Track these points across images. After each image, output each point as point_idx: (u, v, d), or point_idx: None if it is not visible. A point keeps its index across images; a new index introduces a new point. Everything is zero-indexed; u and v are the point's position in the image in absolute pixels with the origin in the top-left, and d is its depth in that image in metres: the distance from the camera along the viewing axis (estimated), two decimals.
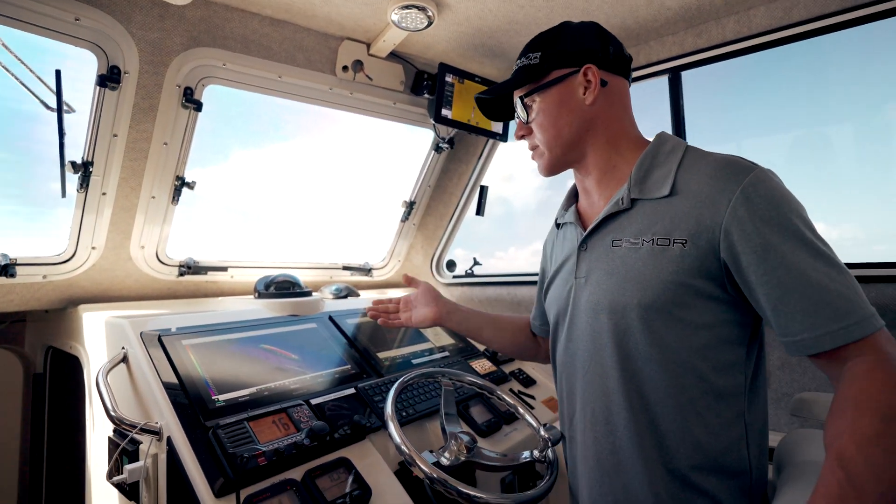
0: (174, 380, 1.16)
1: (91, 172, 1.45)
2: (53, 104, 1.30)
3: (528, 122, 1.01)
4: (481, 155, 2.24)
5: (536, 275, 1.28)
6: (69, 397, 1.66)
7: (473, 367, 1.78)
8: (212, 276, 1.88)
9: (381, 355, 1.63)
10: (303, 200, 2.37)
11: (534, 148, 1.04)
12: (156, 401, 1.11)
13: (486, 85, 1.92)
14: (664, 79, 1.71)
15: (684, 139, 1.20)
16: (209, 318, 1.44)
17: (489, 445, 1.39)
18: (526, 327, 1.33)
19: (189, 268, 1.80)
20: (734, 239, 0.77)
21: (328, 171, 2.40)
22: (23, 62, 1.26)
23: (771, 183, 0.79)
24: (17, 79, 1.28)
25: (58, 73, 1.28)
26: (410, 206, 2.38)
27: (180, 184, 1.63)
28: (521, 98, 1.00)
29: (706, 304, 0.82)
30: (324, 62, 1.68)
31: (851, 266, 1.36)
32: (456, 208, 2.40)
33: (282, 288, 1.74)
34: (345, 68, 1.70)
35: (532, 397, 1.77)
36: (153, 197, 1.60)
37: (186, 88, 1.47)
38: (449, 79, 1.85)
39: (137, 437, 1.07)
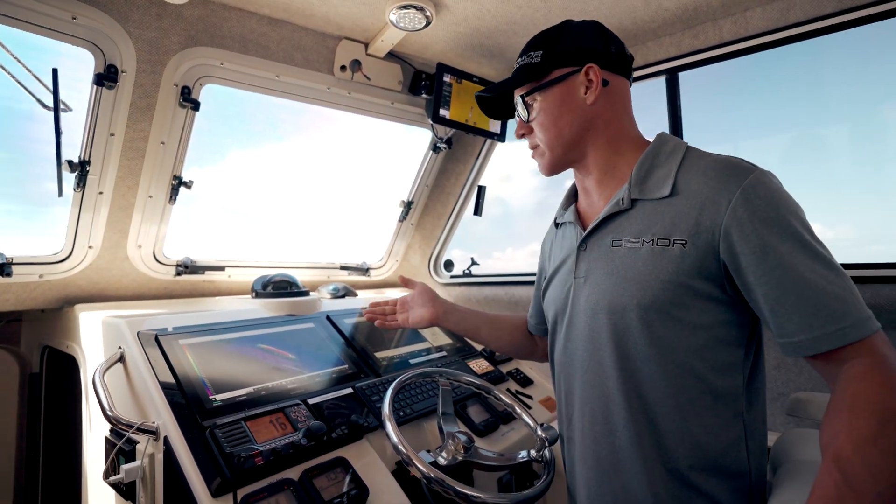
0: (171, 379, 1.16)
1: (88, 171, 1.44)
2: (50, 103, 1.30)
3: (528, 121, 1.01)
4: (479, 155, 2.25)
5: (534, 275, 1.28)
6: (65, 397, 1.65)
7: (471, 366, 1.78)
8: (209, 276, 1.88)
9: (379, 355, 1.63)
10: (300, 200, 2.37)
11: (534, 147, 1.04)
12: (153, 400, 1.10)
13: (484, 85, 1.92)
14: (661, 79, 1.72)
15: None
16: (206, 318, 1.44)
17: (486, 445, 1.39)
18: (523, 326, 1.33)
19: (186, 267, 1.80)
20: (734, 239, 0.78)
21: (326, 170, 2.40)
22: (20, 61, 1.26)
23: (770, 184, 0.79)
24: (13, 77, 1.27)
25: (55, 71, 1.27)
26: (408, 205, 2.38)
27: (177, 183, 1.63)
28: (522, 97, 0.99)
29: (705, 304, 0.82)
30: (322, 62, 1.67)
31: (847, 267, 1.36)
32: (454, 208, 2.40)
33: (279, 288, 1.74)
34: (343, 68, 1.70)
35: (529, 397, 1.77)
36: (150, 196, 1.59)
37: (184, 88, 1.47)
38: (447, 79, 1.85)
39: (134, 436, 1.07)
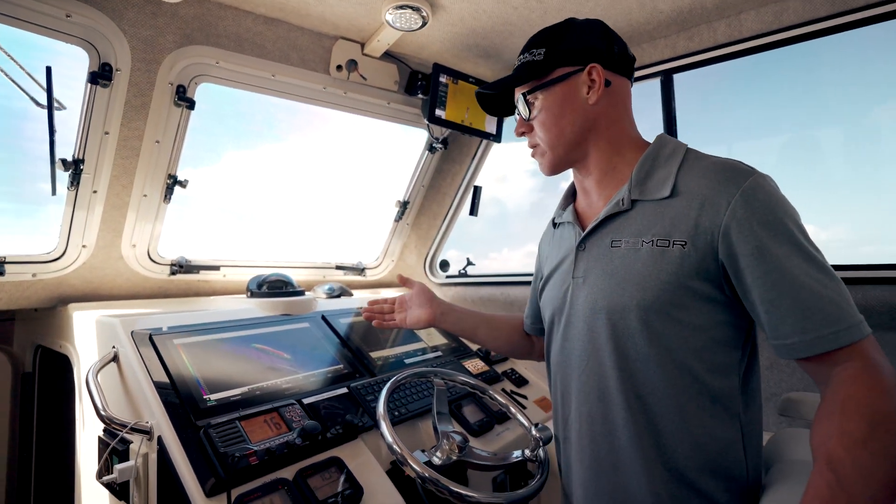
0: (165, 379, 1.15)
1: (82, 170, 1.44)
2: (44, 101, 1.29)
3: (529, 120, 1.00)
4: (475, 155, 2.25)
5: (529, 275, 1.28)
6: (59, 397, 1.64)
7: (466, 366, 1.79)
8: (204, 276, 1.87)
9: (374, 355, 1.63)
10: (296, 200, 2.36)
11: (534, 146, 1.03)
12: (146, 400, 1.10)
13: (480, 85, 1.92)
14: (656, 81, 1.73)
15: None
16: (201, 318, 1.44)
17: (481, 445, 1.39)
18: (520, 326, 1.33)
19: (181, 267, 1.79)
20: (733, 240, 0.78)
21: (322, 170, 2.39)
22: (13, 59, 1.25)
23: (769, 188, 0.80)
24: (7, 75, 1.27)
25: (48, 69, 1.27)
26: (404, 205, 2.38)
27: (172, 182, 1.62)
28: (524, 95, 0.98)
29: (704, 305, 0.83)
30: (318, 61, 1.67)
31: (838, 268, 1.38)
32: (449, 208, 2.41)
33: (274, 287, 1.74)
34: (339, 68, 1.70)
35: (524, 397, 1.78)
36: (145, 195, 1.59)
37: (179, 86, 1.47)
38: (443, 79, 1.85)
39: (128, 436, 1.07)
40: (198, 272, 1.85)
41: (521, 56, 0.99)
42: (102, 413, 1.07)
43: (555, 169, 1.02)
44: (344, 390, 1.37)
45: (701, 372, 0.83)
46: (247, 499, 0.96)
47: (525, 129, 1.02)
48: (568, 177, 1.11)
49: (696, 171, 0.86)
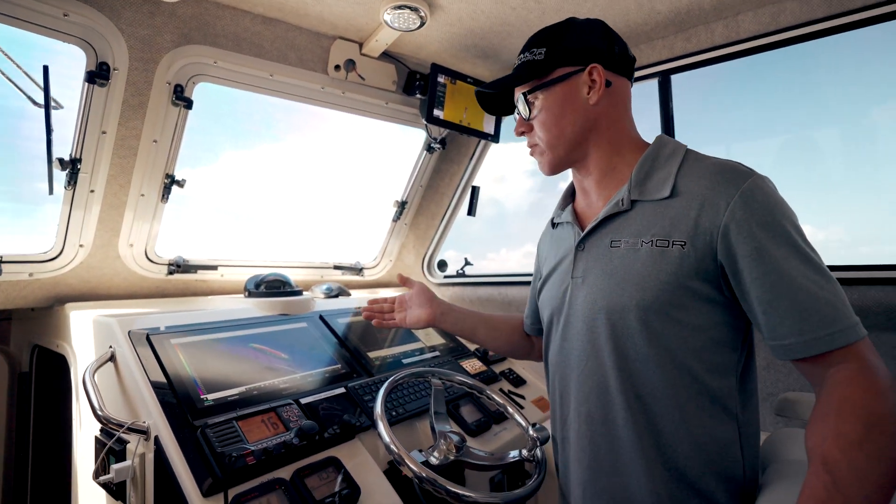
0: (162, 379, 1.15)
1: (79, 169, 1.43)
2: (41, 100, 1.29)
3: (529, 119, 1.00)
4: (473, 155, 2.25)
5: (527, 275, 1.28)
6: (55, 396, 1.64)
7: (464, 366, 1.79)
8: (202, 275, 1.87)
9: (372, 355, 1.63)
10: (294, 200, 2.36)
11: (533, 146, 1.03)
12: (143, 400, 1.10)
13: (478, 85, 1.93)
14: (653, 82, 1.73)
15: None
16: (198, 317, 1.43)
17: (478, 445, 1.39)
18: (520, 326, 1.33)
19: (178, 266, 1.79)
20: (731, 240, 0.79)
21: (320, 170, 2.39)
22: (10, 58, 1.25)
23: (767, 189, 0.80)
24: (4, 75, 1.26)
25: (45, 68, 1.26)
26: (402, 205, 2.38)
27: (170, 182, 1.62)
28: (524, 94, 0.98)
29: (702, 305, 0.83)
30: (316, 61, 1.67)
31: (834, 269, 1.38)
32: (448, 208, 2.41)
33: (272, 287, 1.74)
34: (337, 67, 1.70)
35: (522, 397, 1.78)
36: (142, 195, 1.58)
37: (177, 86, 1.46)
38: (441, 79, 1.85)
39: (124, 436, 1.07)
40: (195, 272, 1.85)
41: (522, 55, 0.99)
42: (99, 413, 1.07)
43: (555, 169, 1.02)
44: (341, 390, 1.36)
45: (700, 372, 0.84)
46: (244, 499, 0.96)
47: (525, 128, 1.02)
48: (566, 177, 1.11)
49: (695, 172, 0.86)
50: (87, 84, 1.34)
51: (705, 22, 1.53)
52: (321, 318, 1.69)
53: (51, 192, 1.41)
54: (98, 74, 1.32)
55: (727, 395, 0.85)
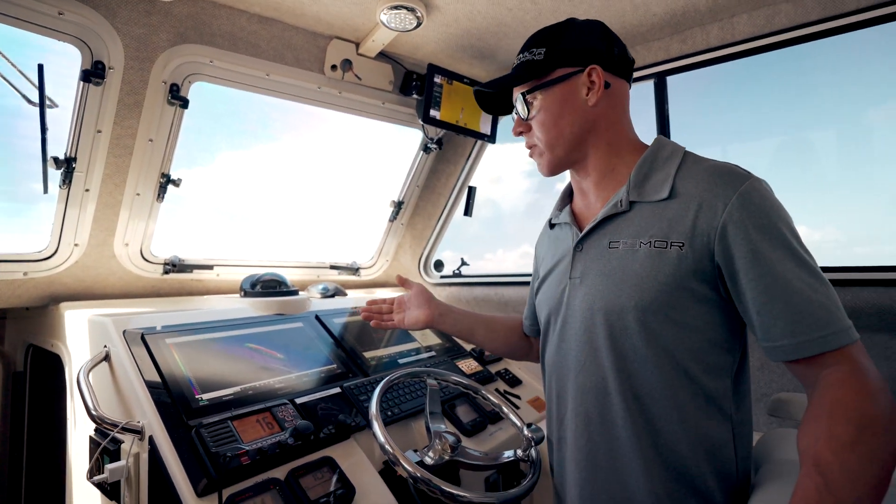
0: (157, 378, 1.15)
1: (74, 168, 1.43)
2: (36, 99, 1.29)
3: (527, 120, 1.00)
4: (469, 156, 2.25)
5: (523, 275, 1.28)
6: (50, 396, 1.63)
7: (459, 366, 1.79)
8: (197, 275, 1.87)
9: (368, 355, 1.63)
10: (291, 199, 2.36)
11: (531, 146, 1.02)
12: (138, 400, 1.10)
13: (475, 86, 1.93)
14: (649, 83, 1.74)
15: None
16: (194, 317, 1.43)
17: (474, 445, 1.40)
18: (518, 327, 1.33)
19: (174, 266, 1.78)
20: (728, 242, 0.80)
21: (316, 170, 2.39)
22: (5, 56, 1.24)
23: (764, 192, 0.81)
24: None
25: (40, 67, 1.26)
26: (399, 205, 2.38)
27: (166, 181, 1.62)
28: (523, 94, 0.98)
29: (700, 306, 0.84)
30: (312, 61, 1.67)
31: (828, 270, 1.39)
32: (444, 208, 2.41)
33: (268, 287, 1.74)
34: (333, 67, 1.70)
35: (518, 397, 1.78)
36: (138, 194, 1.58)
37: (172, 85, 1.46)
38: (437, 79, 1.86)
39: (119, 436, 1.06)
40: (191, 271, 1.84)
41: (521, 55, 0.98)
42: (94, 412, 1.07)
43: (554, 170, 1.02)
44: (337, 390, 1.37)
45: (697, 373, 0.84)
46: (238, 499, 0.96)
47: (523, 128, 1.02)
48: (563, 178, 1.11)
49: (693, 174, 0.87)
50: (82, 83, 1.33)
51: (701, 24, 1.54)
52: (317, 317, 1.69)
53: (45, 190, 1.40)
54: (93, 73, 1.31)
55: (722, 395, 0.85)
